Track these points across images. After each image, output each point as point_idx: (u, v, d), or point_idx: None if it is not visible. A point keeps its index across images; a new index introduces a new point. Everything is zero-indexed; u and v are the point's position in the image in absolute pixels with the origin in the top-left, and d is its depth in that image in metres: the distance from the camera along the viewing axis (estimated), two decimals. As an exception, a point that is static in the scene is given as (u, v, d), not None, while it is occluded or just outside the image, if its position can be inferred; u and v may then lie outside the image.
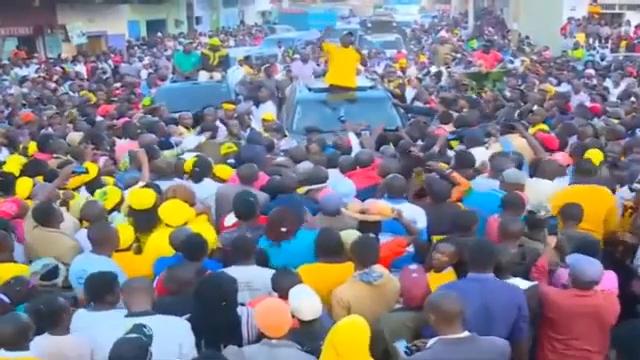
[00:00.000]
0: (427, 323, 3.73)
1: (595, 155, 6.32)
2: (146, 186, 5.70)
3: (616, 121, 8.75)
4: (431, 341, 3.58)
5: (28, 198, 5.81)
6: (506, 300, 4.02)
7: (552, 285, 4.45)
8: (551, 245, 4.60)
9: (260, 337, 3.77)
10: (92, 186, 6.04)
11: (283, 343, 3.60)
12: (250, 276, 4.47)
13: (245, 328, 3.95)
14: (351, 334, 3.35)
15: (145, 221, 5.26)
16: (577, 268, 4.18)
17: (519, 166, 6.34)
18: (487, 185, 5.85)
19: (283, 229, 4.86)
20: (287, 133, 8.77)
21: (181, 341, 3.72)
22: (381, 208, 4.98)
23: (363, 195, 5.64)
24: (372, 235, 4.73)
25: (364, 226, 4.89)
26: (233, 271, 4.46)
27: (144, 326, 3.48)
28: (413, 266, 4.09)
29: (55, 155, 7.30)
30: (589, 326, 4.15)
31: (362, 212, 4.97)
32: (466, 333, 3.56)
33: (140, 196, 5.39)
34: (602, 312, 4.16)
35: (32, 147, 7.85)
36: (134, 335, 3.38)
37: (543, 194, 5.60)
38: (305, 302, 3.78)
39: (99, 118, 9.83)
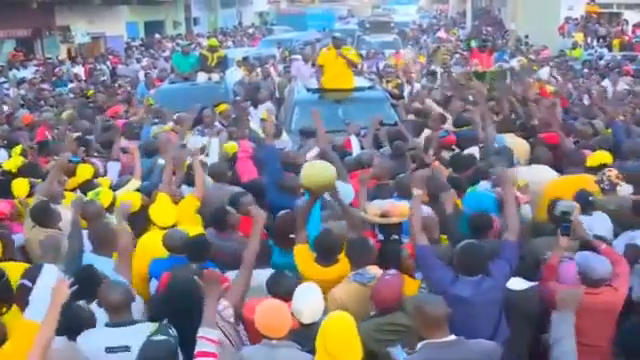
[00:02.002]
0: (399, 327, 3.77)
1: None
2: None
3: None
4: (419, 345, 3.55)
5: (28, 197, 5.80)
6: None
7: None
8: (562, 246, 4.50)
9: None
10: (86, 188, 6.00)
11: (283, 343, 3.59)
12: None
13: None
14: (338, 330, 3.36)
15: (135, 223, 5.26)
16: (587, 265, 4.14)
17: (510, 163, 6.35)
18: (481, 185, 5.87)
19: (292, 236, 4.84)
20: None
21: None
22: (402, 210, 4.90)
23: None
24: (396, 237, 4.74)
25: (385, 229, 4.86)
26: (233, 273, 4.47)
27: (169, 327, 3.44)
28: (391, 271, 4.08)
29: (55, 158, 7.27)
30: (598, 322, 4.08)
31: (383, 215, 4.91)
32: (452, 337, 3.54)
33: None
34: (611, 308, 4.13)
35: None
36: (162, 337, 3.32)
37: (543, 179, 5.91)
38: (308, 305, 3.75)
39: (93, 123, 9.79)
